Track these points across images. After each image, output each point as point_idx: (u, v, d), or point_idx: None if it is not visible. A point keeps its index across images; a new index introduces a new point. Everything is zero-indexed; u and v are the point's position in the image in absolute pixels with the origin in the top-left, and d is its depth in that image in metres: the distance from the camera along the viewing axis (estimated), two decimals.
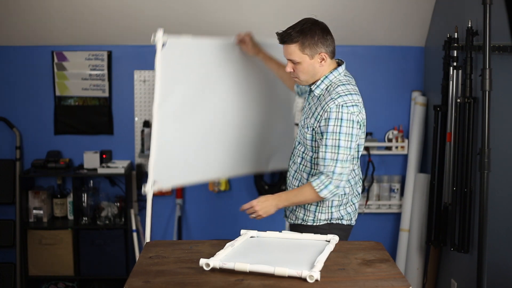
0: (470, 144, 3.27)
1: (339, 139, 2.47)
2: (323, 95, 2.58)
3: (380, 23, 4.09)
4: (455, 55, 3.47)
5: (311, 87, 2.65)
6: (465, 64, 3.29)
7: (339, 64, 2.66)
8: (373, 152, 4.23)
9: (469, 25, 3.22)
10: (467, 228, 3.28)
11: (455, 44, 3.46)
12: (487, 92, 2.89)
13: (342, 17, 3.95)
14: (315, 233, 2.61)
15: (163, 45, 2.89)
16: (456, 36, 3.46)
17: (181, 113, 3.05)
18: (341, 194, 2.64)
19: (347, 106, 2.48)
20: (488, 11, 2.87)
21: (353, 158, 2.61)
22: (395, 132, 4.24)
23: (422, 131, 4.10)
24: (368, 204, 4.24)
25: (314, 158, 2.62)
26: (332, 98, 2.51)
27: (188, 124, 3.10)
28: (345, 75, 2.62)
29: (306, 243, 2.40)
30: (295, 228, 2.74)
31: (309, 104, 2.68)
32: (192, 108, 3.10)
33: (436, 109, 3.64)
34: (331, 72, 2.60)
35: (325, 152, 2.49)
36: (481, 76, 2.90)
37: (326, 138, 2.49)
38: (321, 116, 2.53)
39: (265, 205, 2.65)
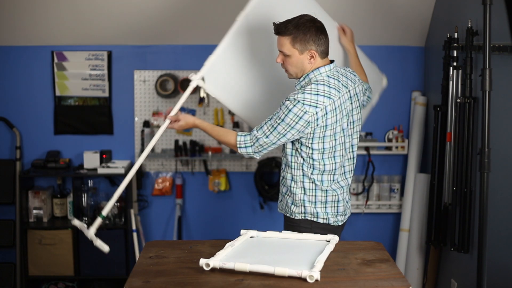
0: (470, 144, 3.27)
1: (278, 124, 2.57)
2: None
3: (380, 23, 4.09)
4: (455, 55, 3.47)
5: (295, 83, 2.72)
6: (465, 64, 3.29)
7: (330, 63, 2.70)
8: (373, 152, 4.23)
9: (469, 25, 3.22)
10: (467, 228, 3.28)
11: (455, 44, 3.45)
12: (487, 92, 2.89)
13: (342, 17, 3.95)
14: (292, 227, 2.69)
15: None
16: (456, 36, 3.46)
17: (256, 52, 2.96)
18: (322, 191, 2.68)
19: (303, 104, 2.52)
20: (488, 11, 2.87)
21: (340, 167, 2.68)
22: (395, 132, 4.24)
23: (422, 131, 4.10)
24: (368, 204, 4.24)
25: (293, 150, 2.67)
26: (297, 93, 2.58)
27: (258, 64, 3.00)
28: (328, 76, 2.63)
29: (306, 243, 2.40)
30: (284, 218, 2.82)
31: None
32: (266, 57, 3.00)
33: (436, 109, 3.64)
34: (312, 71, 2.64)
35: (264, 123, 2.62)
36: (481, 76, 2.90)
37: (271, 117, 2.60)
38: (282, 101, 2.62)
39: (187, 118, 2.79)
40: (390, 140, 4.26)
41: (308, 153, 2.62)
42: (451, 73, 3.50)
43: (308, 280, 2.01)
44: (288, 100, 2.55)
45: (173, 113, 2.79)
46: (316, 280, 2.01)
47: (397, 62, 4.25)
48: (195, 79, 2.82)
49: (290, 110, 2.53)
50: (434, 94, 3.99)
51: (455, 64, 3.47)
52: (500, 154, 2.92)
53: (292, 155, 2.67)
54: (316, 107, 2.53)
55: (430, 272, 3.84)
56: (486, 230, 2.92)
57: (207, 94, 4.20)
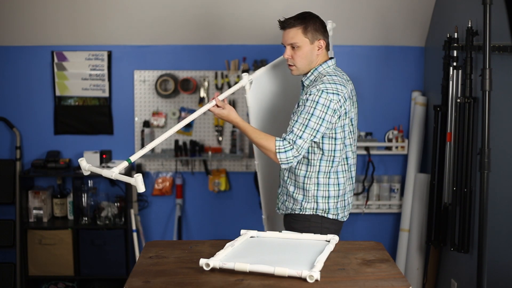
0: (470, 144, 3.27)
1: (309, 120, 2.58)
2: (310, 86, 2.70)
3: (380, 23, 4.09)
4: (455, 55, 3.47)
5: (303, 79, 2.78)
6: (465, 64, 3.29)
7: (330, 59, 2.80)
8: (373, 152, 4.23)
9: (469, 25, 3.22)
10: (467, 228, 3.28)
11: (455, 44, 3.45)
12: (487, 92, 2.89)
13: (342, 17, 3.96)
14: (302, 223, 2.72)
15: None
16: (456, 36, 3.46)
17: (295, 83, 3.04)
18: (335, 185, 2.72)
19: (327, 92, 2.58)
20: (488, 11, 2.87)
21: (345, 154, 2.72)
22: (395, 132, 4.24)
23: (422, 131, 4.10)
24: (368, 204, 4.24)
25: (310, 146, 2.70)
26: (315, 85, 2.63)
27: (291, 96, 3.11)
28: (334, 69, 2.75)
29: (306, 243, 2.40)
30: (286, 218, 2.85)
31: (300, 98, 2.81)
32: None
33: (436, 109, 3.64)
34: (321, 65, 2.73)
35: (293, 126, 2.61)
36: (481, 76, 2.90)
37: (296, 120, 2.60)
38: (302, 99, 2.65)
39: (231, 112, 2.72)
40: (390, 140, 4.26)
41: (331, 144, 2.66)
42: (451, 73, 3.50)
43: (308, 280, 2.01)
44: (311, 94, 2.59)
45: (221, 97, 2.74)
46: (316, 280, 2.01)
47: (397, 62, 4.25)
48: (246, 79, 2.87)
49: (317, 102, 2.57)
50: (434, 94, 3.99)
51: (455, 64, 3.47)
52: (500, 154, 2.92)
53: (309, 152, 2.69)
54: (338, 94, 2.60)
55: (430, 272, 3.84)
56: (486, 230, 2.92)
57: (207, 95, 4.21)
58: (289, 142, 2.58)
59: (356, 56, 4.22)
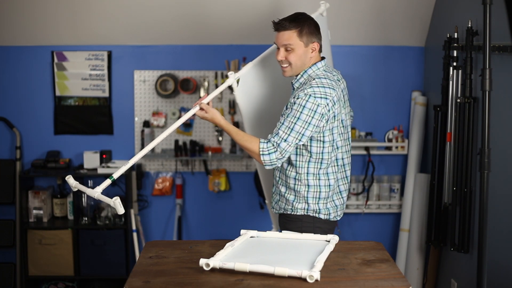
0: (470, 144, 3.27)
1: (295, 123, 2.58)
2: (299, 89, 2.69)
3: (380, 23, 4.09)
4: (455, 55, 3.47)
5: (292, 81, 2.78)
6: (465, 64, 3.29)
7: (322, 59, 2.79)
8: (373, 152, 4.23)
9: (469, 25, 3.22)
10: (467, 228, 3.28)
11: (455, 44, 3.45)
12: (487, 92, 2.89)
13: (342, 17, 3.96)
14: (294, 223, 2.73)
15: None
16: (456, 36, 3.46)
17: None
18: (326, 186, 2.72)
19: (314, 97, 2.58)
20: (488, 11, 2.87)
21: (334, 158, 2.72)
22: (395, 132, 4.24)
23: (422, 131, 4.10)
24: (368, 204, 4.24)
25: (298, 148, 2.71)
26: (303, 89, 2.62)
27: (280, 89, 3.11)
28: (324, 70, 2.73)
29: (306, 243, 2.40)
30: (280, 217, 2.86)
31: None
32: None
33: (436, 109, 3.65)
34: (310, 67, 2.72)
35: (279, 129, 2.61)
36: (481, 76, 2.90)
37: (282, 122, 2.60)
38: (290, 102, 2.65)
39: (215, 115, 2.73)
40: (390, 140, 4.26)
41: (319, 147, 2.66)
42: (451, 73, 3.50)
43: (308, 280, 2.01)
44: (299, 98, 2.58)
45: (205, 101, 2.76)
46: (316, 280, 2.01)
47: (397, 62, 4.25)
48: (232, 78, 2.86)
49: (304, 106, 2.56)
50: (434, 94, 3.99)
51: (455, 64, 3.47)
52: (500, 154, 2.92)
53: (297, 154, 2.70)
54: (326, 98, 2.59)
55: (430, 272, 3.84)
56: (486, 230, 2.92)
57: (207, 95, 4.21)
58: (273, 145, 2.60)
59: (356, 56, 4.22)
